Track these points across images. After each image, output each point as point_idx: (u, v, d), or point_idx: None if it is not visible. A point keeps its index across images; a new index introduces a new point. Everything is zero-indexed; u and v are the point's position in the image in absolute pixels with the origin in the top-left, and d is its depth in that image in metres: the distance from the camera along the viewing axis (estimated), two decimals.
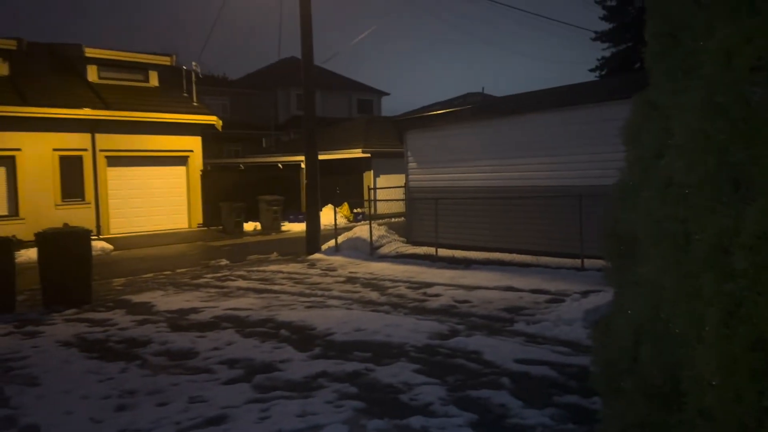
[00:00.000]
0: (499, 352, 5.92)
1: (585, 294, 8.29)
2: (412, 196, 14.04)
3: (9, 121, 17.19)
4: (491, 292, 8.98)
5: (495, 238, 12.10)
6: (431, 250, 12.33)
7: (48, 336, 7.20)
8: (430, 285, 9.74)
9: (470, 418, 4.38)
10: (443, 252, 12.19)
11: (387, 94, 43.55)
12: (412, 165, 14.04)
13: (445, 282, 9.90)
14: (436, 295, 8.92)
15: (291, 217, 22.08)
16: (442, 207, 12.38)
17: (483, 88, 42.59)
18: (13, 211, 17.58)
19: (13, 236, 10.38)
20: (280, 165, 25.14)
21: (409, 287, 9.69)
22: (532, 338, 6.48)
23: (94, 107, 18.79)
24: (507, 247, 11.75)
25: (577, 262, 10.20)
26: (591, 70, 28.59)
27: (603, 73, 27.90)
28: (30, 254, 12.29)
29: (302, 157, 20.34)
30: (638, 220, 2.12)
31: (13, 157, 17.55)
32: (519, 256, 11.34)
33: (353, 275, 11.09)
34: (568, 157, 11.00)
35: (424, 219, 13.25)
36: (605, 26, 27.52)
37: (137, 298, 9.46)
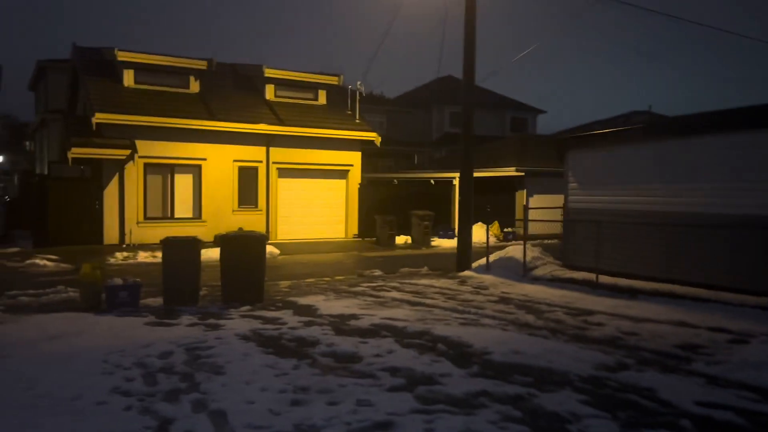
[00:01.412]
0: (676, 391, 5.48)
1: None
2: (570, 217, 13.50)
3: (198, 133, 19.33)
4: (662, 326, 8.34)
5: (665, 267, 11.22)
6: (590, 276, 11.74)
7: (228, 329, 7.90)
8: (590, 313, 9.28)
9: None
10: (604, 279, 11.55)
11: (543, 111, 42.54)
12: (572, 185, 13.51)
13: (607, 311, 9.38)
14: (599, 324, 8.48)
15: (441, 232, 22.28)
16: (605, 231, 11.75)
17: (650, 107, 40.04)
18: (197, 214, 19.69)
19: (196, 237, 11.56)
20: (432, 181, 25.51)
21: (567, 313, 9.31)
22: (714, 380, 5.91)
23: (269, 123, 20.51)
24: (679, 278, 10.84)
25: (765, 300, 9.15)
26: None
27: None
28: (210, 254, 13.54)
29: (454, 174, 20.45)
30: None
31: (199, 166, 19.69)
32: (693, 289, 10.41)
33: (506, 295, 10.91)
34: (755, 183, 9.94)
35: (583, 242, 12.66)
36: None
37: (302, 301, 10.08)
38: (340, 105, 23.19)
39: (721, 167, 10.50)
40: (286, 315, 8.89)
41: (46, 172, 20.00)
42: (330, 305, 9.69)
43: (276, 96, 22.19)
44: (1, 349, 6.64)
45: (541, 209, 16.76)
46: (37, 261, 14.44)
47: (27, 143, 39.92)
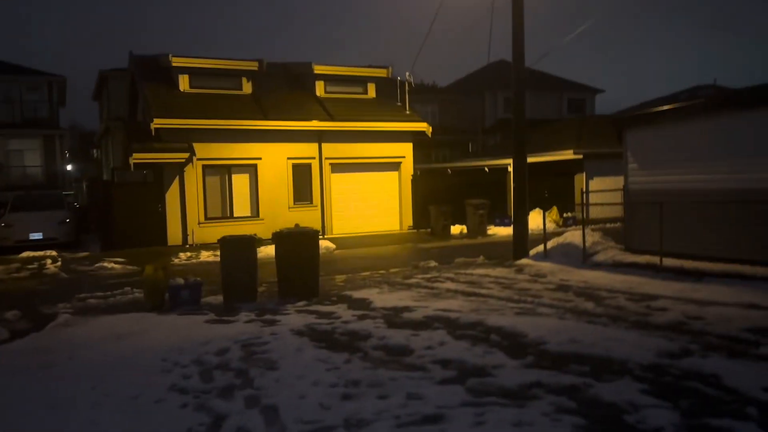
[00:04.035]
0: (742, 377, 5.17)
1: None
2: (631, 199, 12.99)
3: (252, 133, 19.75)
4: (730, 308, 7.91)
5: (733, 247, 10.64)
6: (654, 260, 11.26)
7: (283, 325, 8.02)
8: (654, 297, 8.91)
9: None
10: (668, 262, 11.06)
11: (601, 91, 41.12)
12: (632, 166, 12.98)
13: (672, 295, 8.98)
14: (662, 309, 8.12)
15: (497, 220, 21.93)
16: (668, 212, 11.24)
17: (715, 80, 38.05)
18: (255, 213, 20.15)
19: (255, 234, 11.79)
20: (486, 168, 25.12)
21: (629, 299, 8.97)
22: None
23: (320, 119, 20.73)
24: (748, 258, 10.25)
25: None
26: None
27: None
28: (268, 251, 13.79)
29: (509, 160, 19.99)
30: None
31: (255, 165, 20.13)
32: (763, 269, 9.83)
33: (564, 283, 10.61)
34: None
35: (646, 225, 12.16)
36: None
37: (356, 294, 10.13)
38: (390, 97, 23.15)
39: None
40: (340, 309, 8.96)
41: (111, 178, 20.90)
42: (384, 298, 9.69)
43: (326, 92, 22.37)
44: (70, 350, 6.98)
45: (601, 192, 16.22)
46: (105, 264, 15.11)
47: (94, 151, 41.90)
